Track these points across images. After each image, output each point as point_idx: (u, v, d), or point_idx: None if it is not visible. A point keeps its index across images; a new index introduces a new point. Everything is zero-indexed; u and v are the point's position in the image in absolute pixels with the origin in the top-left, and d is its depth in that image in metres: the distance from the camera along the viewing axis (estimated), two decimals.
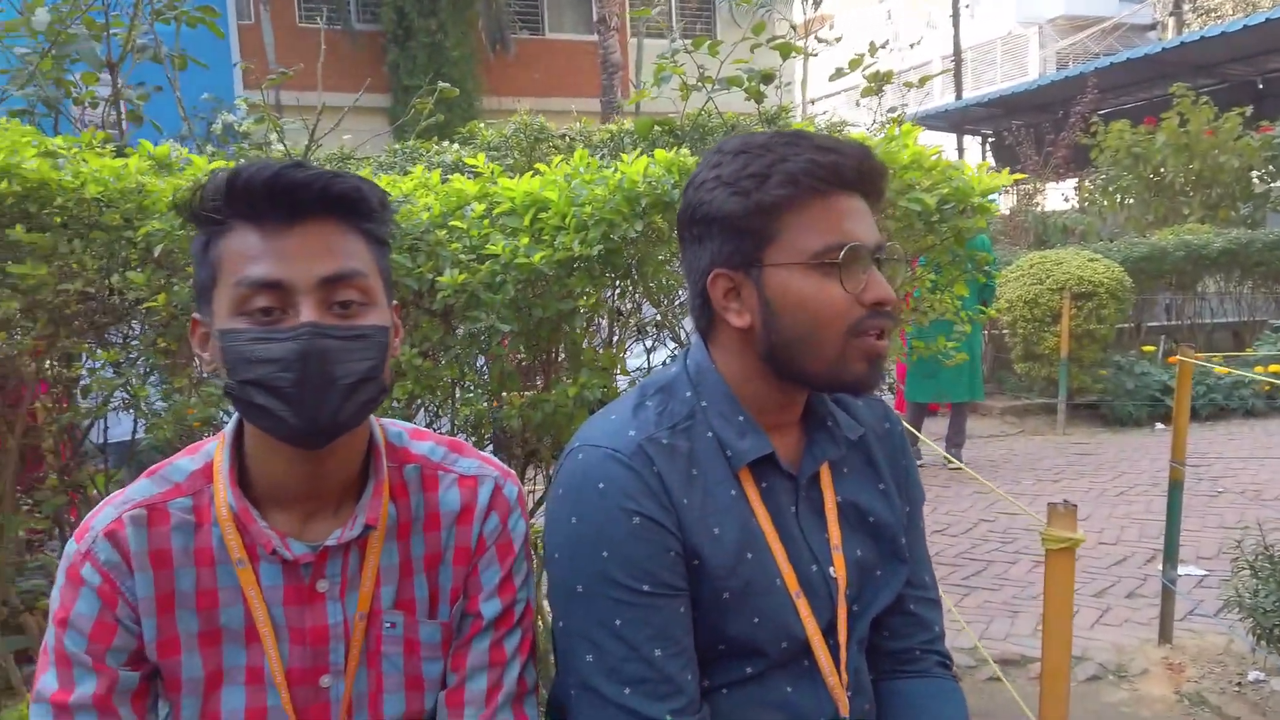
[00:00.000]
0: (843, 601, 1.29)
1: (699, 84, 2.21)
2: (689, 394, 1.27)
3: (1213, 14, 24.66)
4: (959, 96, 13.82)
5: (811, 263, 1.16)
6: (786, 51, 2.14)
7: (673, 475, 1.20)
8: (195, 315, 1.14)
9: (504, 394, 1.73)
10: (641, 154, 1.69)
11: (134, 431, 2.38)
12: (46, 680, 1.11)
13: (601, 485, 1.18)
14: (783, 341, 1.19)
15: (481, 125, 3.60)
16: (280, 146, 3.45)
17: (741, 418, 1.25)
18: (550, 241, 1.67)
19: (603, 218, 1.63)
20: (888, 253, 1.27)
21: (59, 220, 1.66)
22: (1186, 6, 23.50)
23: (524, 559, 1.30)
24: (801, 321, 1.17)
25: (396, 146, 3.68)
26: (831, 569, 1.28)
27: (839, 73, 2.21)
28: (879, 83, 2.15)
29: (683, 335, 2.35)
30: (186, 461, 1.20)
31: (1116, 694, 3.29)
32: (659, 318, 2.26)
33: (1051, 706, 1.67)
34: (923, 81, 2.56)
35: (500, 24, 15.38)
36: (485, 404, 1.69)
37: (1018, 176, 1.78)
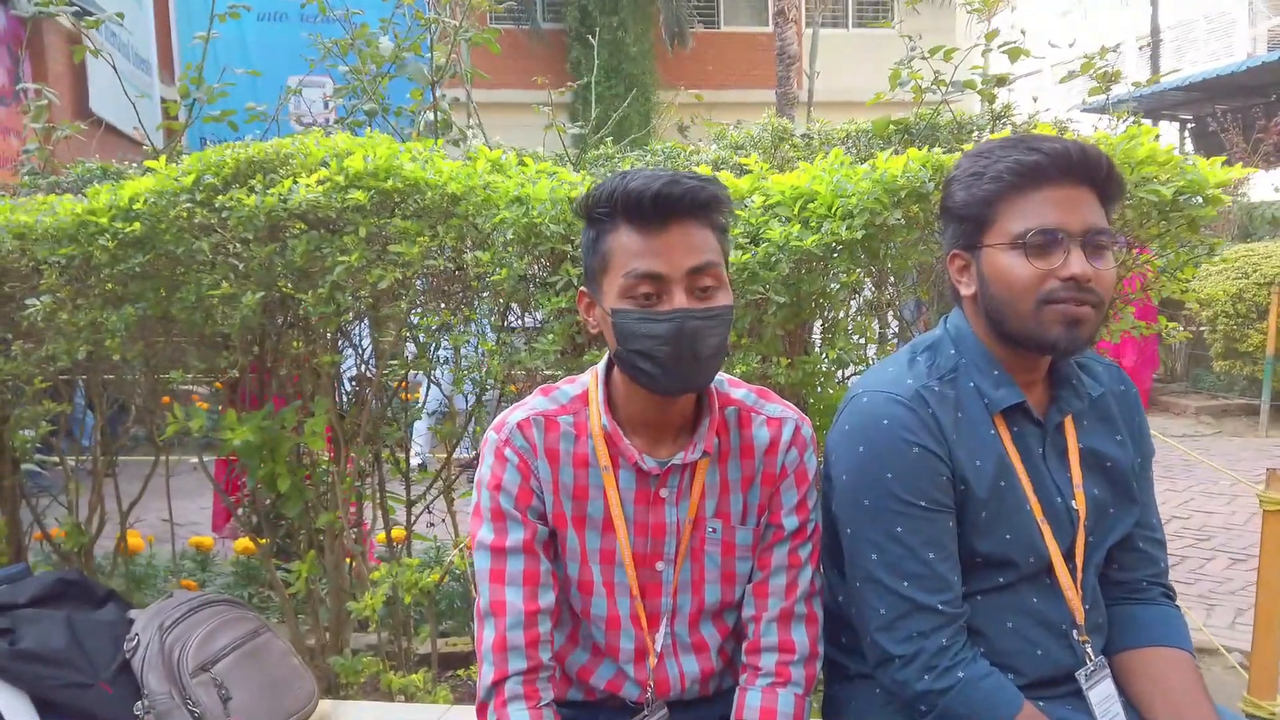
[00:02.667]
0: (1081, 531, 1.54)
1: (933, 86, 2.45)
2: (952, 351, 1.55)
3: None
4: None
5: (1013, 244, 1.41)
6: (1015, 55, 2.35)
7: (944, 416, 1.49)
8: (582, 289, 1.50)
9: (771, 357, 2.05)
10: (894, 153, 1.97)
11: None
12: (484, 532, 1.48)
13: (886, 421, 1.48)
14: (993, 307, 1.45)
15: (725, 124, 3.93)
16: (480, 138, 3.90)
17: (996, 372, 1.52)
18: (816, 228, 1.98)
19: (865, 207, 1.93)
20: (1112, 236, 1.48)
21: (419, 211, 2.10)
22: None
23: (814, 487, 1.60)
24: (1002, 290, 1.43)
25: (657, 146, 4.06)
26: (1073, 502, 1.53)
27: (1070, 76, 2.40)
28: (1107, 83, 2.32)
29: (905, 315, 2.61)
30: (569, 388, 1.57)
31: None
32: (881, 297, 2.52)
33: (1265, 647, 1.82)
34: (1150, 81, 2.67)
35: (680, 18, 15.74)
36: (757, 364, 2.02)
37: (1252, 170, 1.95)
